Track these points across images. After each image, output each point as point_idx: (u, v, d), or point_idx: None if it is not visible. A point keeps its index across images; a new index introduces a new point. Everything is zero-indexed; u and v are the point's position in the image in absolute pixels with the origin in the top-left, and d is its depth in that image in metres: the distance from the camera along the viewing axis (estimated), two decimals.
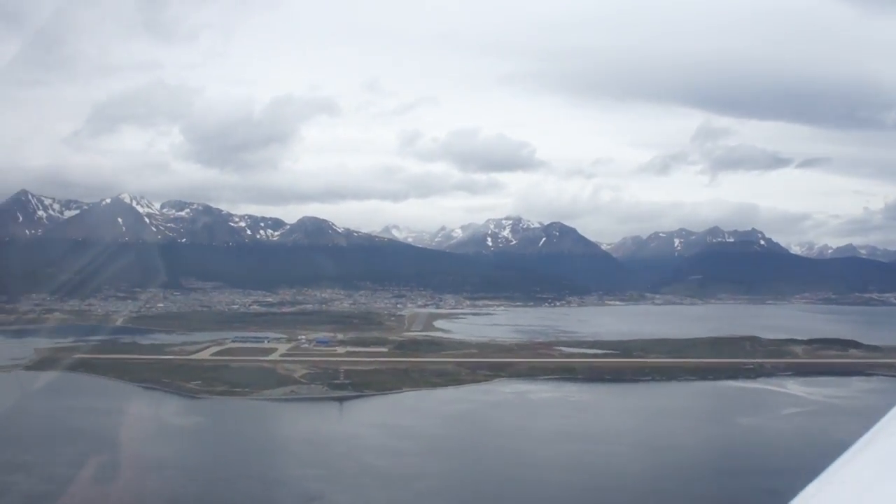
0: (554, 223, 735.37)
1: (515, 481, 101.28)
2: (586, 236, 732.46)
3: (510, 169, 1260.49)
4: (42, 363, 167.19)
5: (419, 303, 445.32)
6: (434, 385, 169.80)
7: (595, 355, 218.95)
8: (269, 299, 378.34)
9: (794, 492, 8.03)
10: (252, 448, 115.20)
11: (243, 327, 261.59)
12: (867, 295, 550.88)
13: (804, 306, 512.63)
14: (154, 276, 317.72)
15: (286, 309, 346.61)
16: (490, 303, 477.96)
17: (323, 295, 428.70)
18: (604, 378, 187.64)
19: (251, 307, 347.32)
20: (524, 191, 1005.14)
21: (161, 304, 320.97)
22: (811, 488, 8.06)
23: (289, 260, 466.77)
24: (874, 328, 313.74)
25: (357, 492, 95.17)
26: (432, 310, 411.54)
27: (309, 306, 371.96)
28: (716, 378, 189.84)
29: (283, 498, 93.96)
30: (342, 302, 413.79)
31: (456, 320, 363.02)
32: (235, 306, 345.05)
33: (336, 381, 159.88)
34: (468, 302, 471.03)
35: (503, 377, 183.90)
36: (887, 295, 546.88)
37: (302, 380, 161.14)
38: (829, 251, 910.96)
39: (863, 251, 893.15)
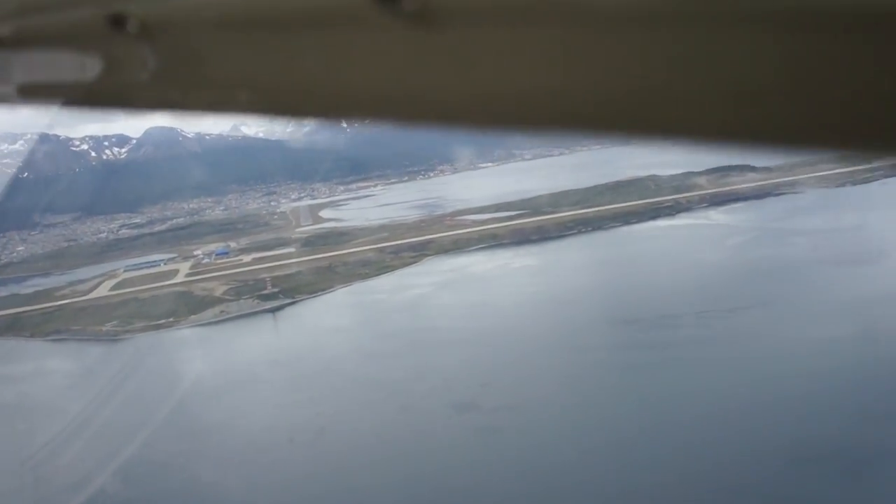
0: None
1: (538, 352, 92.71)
2: None
3: None
4: None
5: (292, 197, 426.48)
6: (365, 276, 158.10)
7: (509, 218, 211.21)
8: (137, 220, 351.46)
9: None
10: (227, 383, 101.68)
11: (124, 254, 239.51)
12: None
13: None
14: (3, 220, 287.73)
15: (158, 227, 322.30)
16: (364, 185, 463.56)
17: (191, 206, 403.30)
18: (531, 239, 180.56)
19: (120, 232, 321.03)
20: None
21: (21, 248, 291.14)
22: None
23: (144, 176, 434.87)
24: None
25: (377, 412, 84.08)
26: (309, 202, 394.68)
27: (181, 220, 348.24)
28: (639, 220, 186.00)
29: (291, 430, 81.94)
30: (213, 210, 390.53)
31: (340, 208, 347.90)
32: (103, 234, 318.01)
33: (264, 292, 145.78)
34: (342, 188, 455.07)
35: (430, 255, 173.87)
36: None
37: (226, 297, 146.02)
38: None
39: None
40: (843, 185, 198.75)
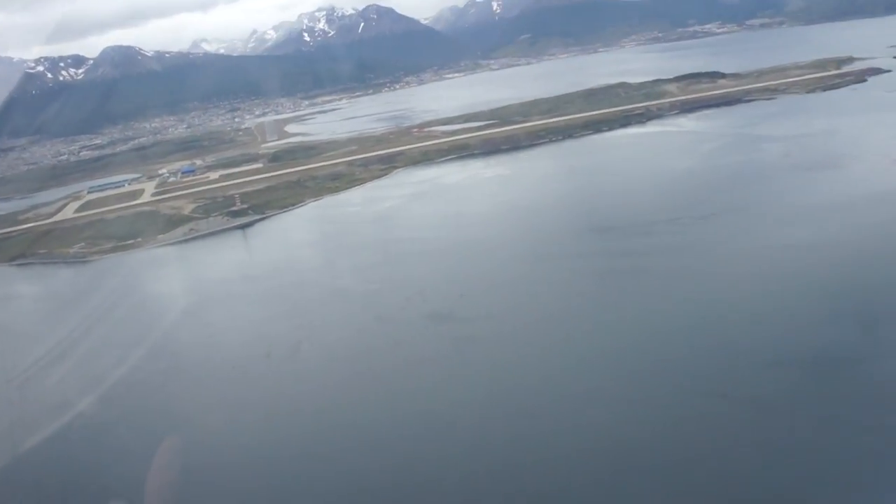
0: (370, 6, 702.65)
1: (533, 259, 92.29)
2: (405, 14, 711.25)
3: None
4: None
5: (256, 113, 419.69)
6: (335, 190, 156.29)
7: (479, 128, 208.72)
8: (98, 141, 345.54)
9: None
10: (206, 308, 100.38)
11: (88, 176, 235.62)
12: (690, 29, 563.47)
13: (637, 48, 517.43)
14: None
15: (121, 147, 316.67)
16: (328, 98, 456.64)
17: (153, 125, 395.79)
18: (501, 149, 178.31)
19: (82, 154, 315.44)
20: None
21: None
22: None
23: (103, 96, 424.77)
24: (717, 58, 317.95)
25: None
26: (274, 117, 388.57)
27: (143, 139, 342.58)
28: (610, 128, 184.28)
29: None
30: (176, 128, 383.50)
31: (305, 122, 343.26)
32: (64, 156, 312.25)
33: (233, 208, 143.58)
34: (306, 102, 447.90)
35: (399, 167, 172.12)
36: (708, 26, 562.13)
37: (195, 215, 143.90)
38: None
39: None
40: (813, 90, 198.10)
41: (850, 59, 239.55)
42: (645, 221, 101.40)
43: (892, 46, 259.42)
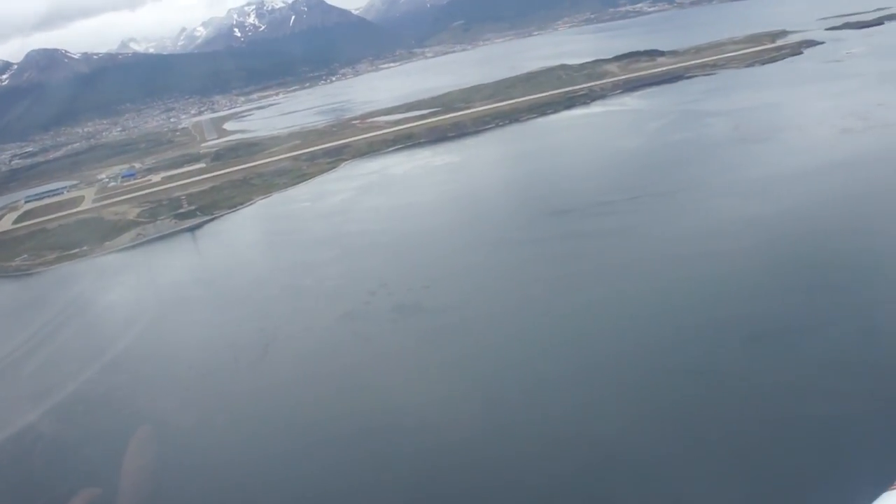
0: None
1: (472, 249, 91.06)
2: (335, 5, 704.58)
3: None
4: None
5: (192, 112, 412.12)
6: (283, 186, 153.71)
7: (422, 116, 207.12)
8: (29, 149, 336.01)
9: None
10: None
11: (22, 185, 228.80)
12: (622, 9, 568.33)
13: (571, 30, 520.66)
14: None
15: (54, 154, 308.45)
16: (264, 94, 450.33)
17: (86, 130, 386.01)
18: (448, 136, 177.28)
19: (13, 163, 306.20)
20: None
21: None
22: None
23: (30, 101, 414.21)
24: (652, 36, 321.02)
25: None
26: (210, 115, 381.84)
27: (77, 144, 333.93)
28: (556, 111, 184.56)
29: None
30: (110, 131, 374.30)
31: (244, 119, 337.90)
32: None
33: (181, 210, 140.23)
34: (242, 99, 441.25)
35: (347, 160, 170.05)
36: (639, 5, 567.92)
37: (141, 219, 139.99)
38: None
39: None
40: (751, 65, 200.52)
41: (784, 33, 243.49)
42: (600, 202, 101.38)
43: (822, 19, 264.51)
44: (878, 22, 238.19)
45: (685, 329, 62.32)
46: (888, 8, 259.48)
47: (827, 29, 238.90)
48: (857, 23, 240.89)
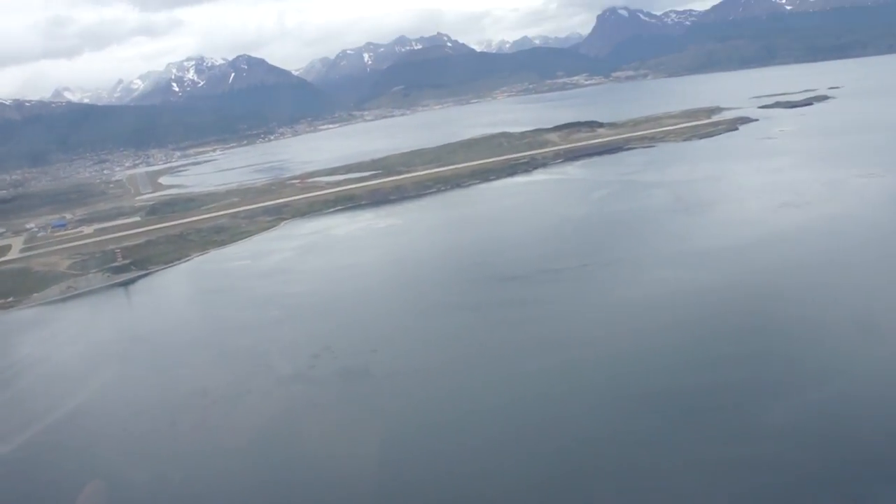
0: (240, 56, 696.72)
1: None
2: (276, 65, 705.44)
3: (191, 2, 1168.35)
4: None
5: (126, 165, 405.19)
6: (221, 243, 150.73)
7: (363, 178, 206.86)
8: None
9: None
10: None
11: None
12: (559, 80, 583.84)
13: (509, 99, 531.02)
14: None
15: None
16: (202, 150, 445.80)
17: (14, 178, 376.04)
18: (389, 199, 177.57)
19: None
20: (207, 27, 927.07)
21: None
22: None
23: None
24: (590, 108, 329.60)
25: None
26: (145, 168, 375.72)
27: (3, 192, 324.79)
28: (498, 177, 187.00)
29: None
30: (39, 180, 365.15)
31: (179, 174, 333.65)
32: None
33: (114, 264, 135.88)
34: (178, 153, 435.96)
35: (287, 219, 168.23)
36: (575, 78, 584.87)
37: (72, 271, 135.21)
38: (507, 45, 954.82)
39: (537, 41, 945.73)
40: (689, 139, 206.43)
41: (718, 109, 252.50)
42: (545, 269, 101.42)
43: (754, 97, 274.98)
44: (808, 102, 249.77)
45: (624, 399, 62.15)
46: (815, 90, 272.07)
47: (760, 107, 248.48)
48: (788, 102, 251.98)
